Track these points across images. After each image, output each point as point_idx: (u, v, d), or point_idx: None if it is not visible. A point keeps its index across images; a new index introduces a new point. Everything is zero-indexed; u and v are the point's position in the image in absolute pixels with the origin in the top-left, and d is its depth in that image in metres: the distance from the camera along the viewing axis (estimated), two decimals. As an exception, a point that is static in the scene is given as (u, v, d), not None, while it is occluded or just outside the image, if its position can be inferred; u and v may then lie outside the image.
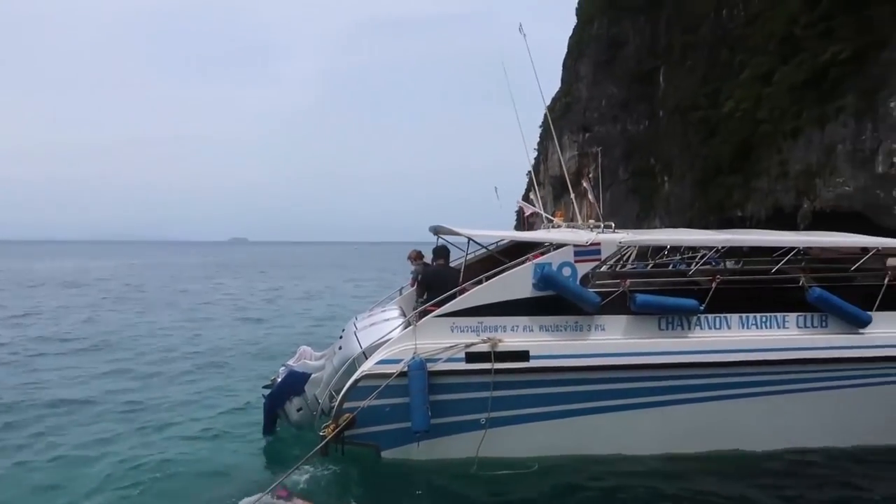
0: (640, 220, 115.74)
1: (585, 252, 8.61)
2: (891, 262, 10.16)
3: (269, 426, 9.98)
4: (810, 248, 10.87)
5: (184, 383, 15.96)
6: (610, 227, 9.59)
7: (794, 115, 72.46)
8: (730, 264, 16.57)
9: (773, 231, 13.65)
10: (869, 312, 8.67)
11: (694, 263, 12.16)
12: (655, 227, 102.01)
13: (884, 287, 8.78)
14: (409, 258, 11.88)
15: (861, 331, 8.59)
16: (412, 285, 11.33)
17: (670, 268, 14.72)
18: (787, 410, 8.66)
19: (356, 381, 8.23)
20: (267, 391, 10.16)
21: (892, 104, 57.58)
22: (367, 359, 8.66)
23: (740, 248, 13.11)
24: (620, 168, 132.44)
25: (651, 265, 16.05)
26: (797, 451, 8.58)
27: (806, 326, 8.69)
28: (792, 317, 8.73)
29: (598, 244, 8.70)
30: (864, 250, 9.68)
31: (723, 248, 12.16)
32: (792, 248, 9.81)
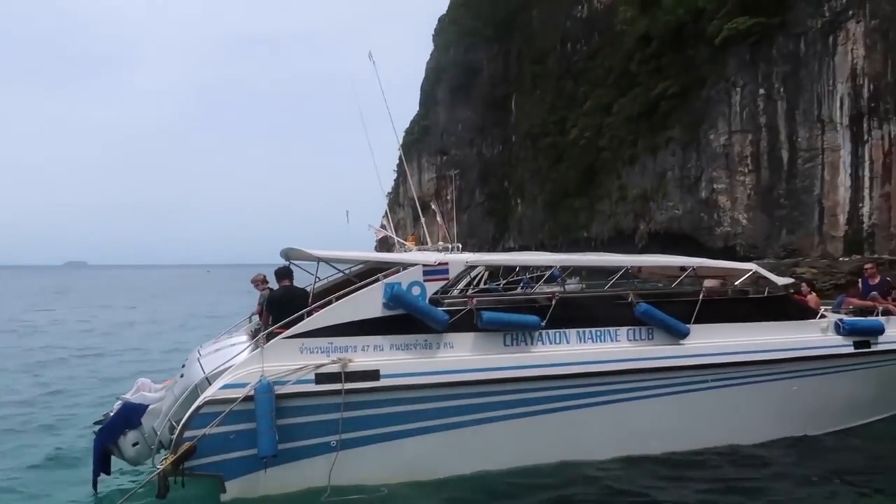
0: (496, 241, 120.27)
1: (434, 271, 8.84)
2: (707, 282, 11.33)
3: (101, 466, 9.08)
4: (640, 267, 11.91)
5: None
6: (458, 247, 9.91)
7: (631, 143, 79.05)
8: (574, 281, 17.66)
9: (605, 253, 14.69)
10: (687, 325, 9.55)
11: (539, 282, 12.81)
12: (510, 247, 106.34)
13: (699, 302, 9.74)
14: (254, 282, 11.51)
15: (681, 342, 9.48)
16: (259, 312, 10.99)
17: (520, 286, 15.36)
18: (622, 417, 9.28)
19: (198, 407, 7.79)
20: (99, 427, 9.32)
21: (711, 136, 64.44)
22: (210, 384, 8.28)
23: (581, 267, 13.92)
24: (477, 190, 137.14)
25: (503, 284, 16.64)
26: (636, 457, 9.15)
27: (635, 339, 9.41)
28: (623, 330, 9.41)
29: (446, 264, 8.96)
30: (683, 269, 10.74)
31: (567, 267, 12.93)
32: (622, 268, 10.66)
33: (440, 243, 9.94)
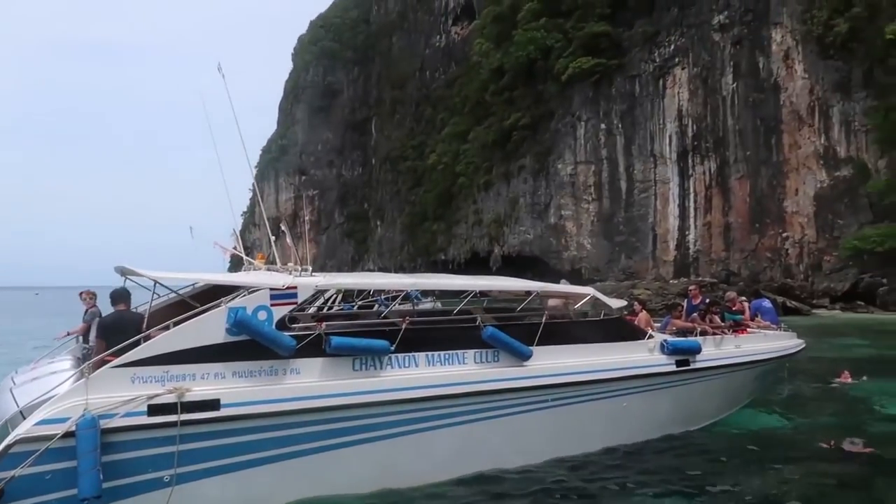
0: (355, 262, 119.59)
1: (281, 295, 8.58)
2: (551, 302, 11.93)
3: None
4: (489, 290, 12.34)
5: None
6: (307, 270, 9.72)
7: (486, 170, 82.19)
8: (429, 301, 17.88)
9: (455, 276, 15.03)
10: (531, 347, 9.97)
11: (393, 304, 12.82)
12: (369, 269, 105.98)
13: (542, 324, 10.23)
14: (81, 296, 10.59)
15: (525, 363, 9.88)
16: (83, 331, 10.10)
17: (375, 308, 15.30)
18: (471, 438, 9.47)
19: (7, 446, 6.98)
20: None
21: (559, 166, 68.55)
22: (24, 419, 7.44)
23: (434, 290, 14.11)
24: (336, 212, 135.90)
25: (357, 304, 16.48)
26: (486, 475, 9.32)
27: (482, 361, 9.67)
28: (470, 353, 9.64)
29: (295, 288, 8.74)
30: (528, 293, 11.25)
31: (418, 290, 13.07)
32: (471, 291, 10.97)
33: (290, 264, 9.68)
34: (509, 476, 9.26)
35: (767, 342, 12.61)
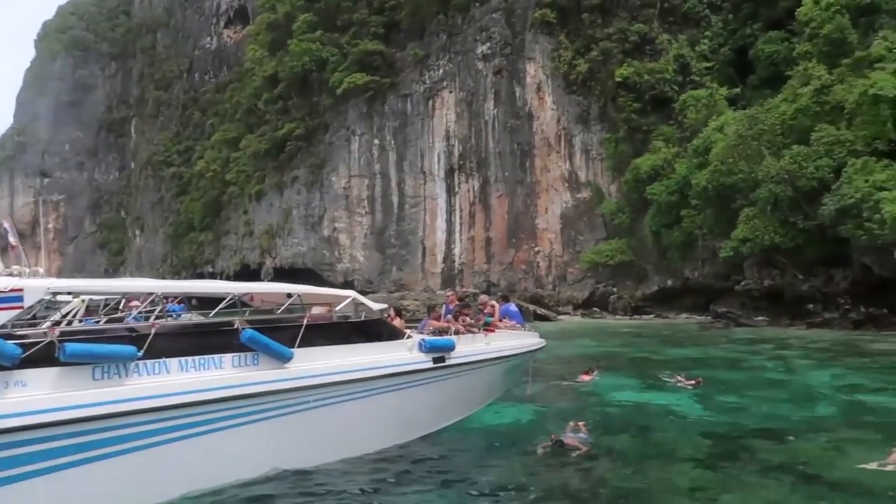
0: (109, 275, 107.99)
1: (4, 299, 7.64)
2: (315, 309, 12.02)
3: None
4: (251, 295, 12.06)
5: None
6: (37, 271, 8.73)
7: (259, 179, 79.64)
8: (188, 315, 16.86)
9: (213, 281, 14.48)
10: (292, 349, 9.94)
11: (152, 315, 11.94)
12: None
13: (303, 326, 10.26)
14: None
15: (286, 365, 9.83)
16: None
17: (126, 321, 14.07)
18: (229, 445, 9.12)
19: None
20: None
21: (333, 178, 68.85)
22: None
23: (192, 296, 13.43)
24: (87, 220, 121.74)
25: (103, 321, 15.06)
26: (247, 481, 9.03)
27: (240, 365, 9.43)
28: (227, 357, 9.32)
29: (21, 290, 7.81)
30: (289, 296, 11.23)
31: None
32: (230, 296, 10.65)
33: (15, 266, 8.59)
34: (275, 480, 9.12)
35: (514, 340, 13.92)
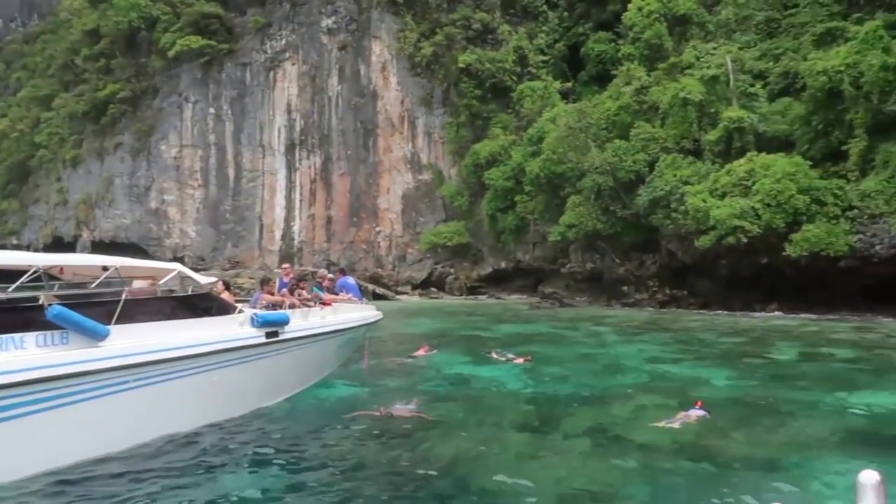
0: None
1: None
2: (137, 283, 11.19)
3: None
4: (60, 268, 10.94)
5: None
6: None
7: (75, 144, 72.15)
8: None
9: (11, 251, 13.03)
10: (108, 326, 9.19)
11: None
12: None
13: (122, 302, 9.51)
14: None
15: (100, 343, 9.07)
16: None
17: None
18: (36, 432, 8.31)
19: None
20: None
21: (163, 147, 64.12)
22: None
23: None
24: None
25: None
26: (58, 472, 8.27)
27: (46, 344, 8.57)
28: (31, 336, 8.44)
29: None
30: (105, 269, 10.34)
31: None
32: (32, 268, 9.58)
33: None
34: (92, 465, 8.44)
35: (350, 313, 13.92)
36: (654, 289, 36.06)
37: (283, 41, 58.68)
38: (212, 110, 61.10)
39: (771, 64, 37.17)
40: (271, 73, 59.19)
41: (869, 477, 3.40)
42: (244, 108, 60.04)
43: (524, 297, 44.88)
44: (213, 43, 59.01)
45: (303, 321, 12.24)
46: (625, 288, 37.27)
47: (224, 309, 11.09)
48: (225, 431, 10.19)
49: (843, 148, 30.20)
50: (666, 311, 33.20)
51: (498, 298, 46.20)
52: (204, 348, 10.35)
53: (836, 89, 29.40)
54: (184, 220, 62.36)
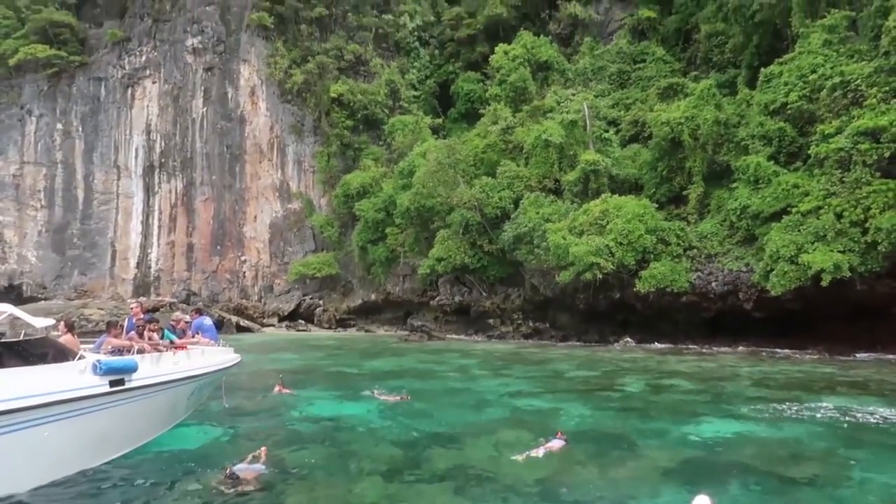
0: None
1: None
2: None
3: None
4: None
5: None
6: None
7: None
8: None
9: None
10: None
11: None
12: None
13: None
14: None
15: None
16: None
17: None
18: None
19: None
20: None
21: (0, 164, 58.58)
22: None
23: None
24: None
25: None
26: None
27: None
28: None
29: None
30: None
31: None
32: None
33: None
34: None
35: (205, 358, 13.20)
36: (519, 322, 37.37)
37: (144, 57, 55.74)
38: (59, 126, 56.61)
39: (623, 112, 40.23)
40: (129, 90, 55.92)
41: (702, 501, 3.82)
42: (97, 125, 56.16)
43: (394, 329, 44.87)
44: (62, 54, 54.98)
45: (153, 367, 11.43)
46: (491, 321, 38.31)
47: (62, 355, 10.13)
48: (48, 490, 9.26)
49: (684, 193, 33.15)
50: (529, 343, 34.43)
51: (367, 331, 45.87)
52: (34, 400, 9.38)
53: (678, 139, 32.28)
54: (23, 244, 56.84)
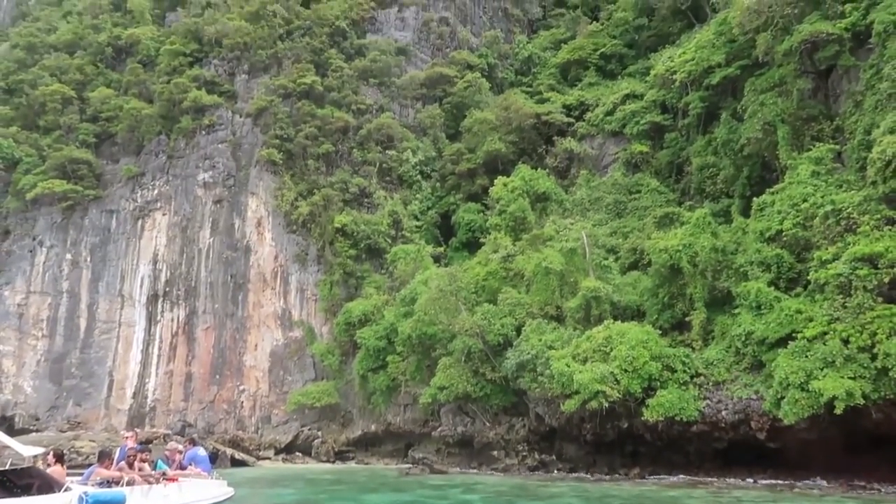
0: None
1: None
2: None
3: None
4: None
5: None
6: None
7: None
8: None
9: None
10: None
11: None
12: None
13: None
14: None
15: None
16: None
17: None
18: None
19: None
20: None
21: (6, 293, 58.14)
22: None
23: None
24: None
25: None
26: None
27: None
28: None
29: None
30: None
31: None
32: None
33: None
34: None
35: (198, 490, 12.64)
36: (524, 453, 35.99)
37: (156, 191, 57.75)
38: (69, 256, 57.66)
39: (621, 240, 41.01)
40: (139, 222, 57.46)
41: None
42: (105, 256, 57.17)
43: (394, 462, 43.19)
44: (78, 188, 57.05)
45: (143, 500, 10.94)
46: (495, 452, 36.92)
47: (47, 486, 9.73)
48: None
49: (687, 319, 33.02)
50: (535, 476, 32.95)
51: (366, 464, 44.13)
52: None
53: (677, 266, 32.62)
54: (20, 374, 56.04)
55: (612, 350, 31.09)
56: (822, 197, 29.21)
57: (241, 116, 57.85)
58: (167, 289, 55.58)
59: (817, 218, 28.69)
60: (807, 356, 25.72)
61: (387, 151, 55.45)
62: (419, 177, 56.53)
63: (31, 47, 66.86)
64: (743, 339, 29.36)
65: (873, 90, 30.09)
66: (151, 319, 55.69)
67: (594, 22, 65.73)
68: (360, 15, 63.84)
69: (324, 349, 49.22)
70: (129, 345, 55.61)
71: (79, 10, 72.60)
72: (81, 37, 67.90)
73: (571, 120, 54.00)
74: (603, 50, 59.78)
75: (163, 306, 55.56)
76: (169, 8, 70.39)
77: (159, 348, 55.12)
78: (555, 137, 52.61)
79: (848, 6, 33.10)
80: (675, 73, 43.76)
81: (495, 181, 46.60)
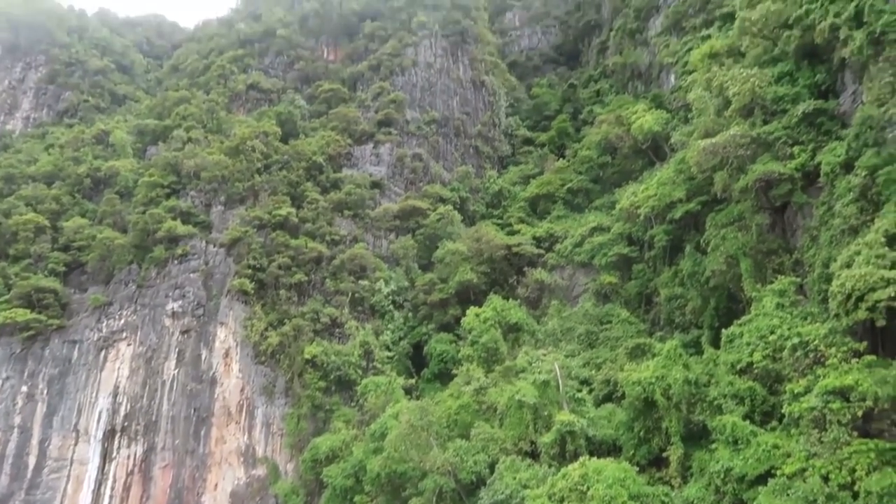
0: None
1: None
2: None
3: None
4: None
5: None
6: None
7: None
8: None
9: None
10: None
11: None
12: None
13: None
14: None
15: None
16: None
17: None
18: None
19: None
20: None
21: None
22: None
23: None
24: None
25: None
26: None
27: None
28: None
29: None
30: None
31: None
32: None
33: None
34: None
35: None
36: None
37: (122, 321, 56.58)
38: (24, 388, 55.15)
39: (594, 372, 40.59)
40: (102, 353, 55.76)
41: None
42: (63, 388, 54.85)
43: None
44: (41, 318, 55.68)
45: None
46: None
47: None
48: None
49: (664, 454, 32.05)
50: None
51: None
52: None
53: (650, 398, 32.11)
54: (-47, 521, 51.77)
55: (588, 489, 29.73)
56: (789, 329, 29.50)
57: (214, 246, 58.13)
58: (126, 423, 53.01)
59: (786, 350, 28.82)
60: (788, 494, 24.87)
61: (359, 281, 55.66)
62: (391, 307, 56.43)
63: (10, 178, 67.60)
64: (722, 476, 28.38)
65: (827, 225, 31.35)
66: (106, 456, 52.64)
67: (561, 159, 68.99)
68: (336, 150, 66.40)
69: (288, 489, 46.60)
70: (80, 485, 52.11)
71: (61, 143, 74.30)
72: (61, 168, 69.07)
73: (541, 251, 55.22)
74: (570, 185, 62.34)
75: (119, 442, 52.74)
76: (151, 142, 72.47)
77: (112, 488, 51.71)
78: (525, 268, 53.45)
79: (796, 148, 35.13)
80: (639, 207, 45.43)
81: (467, 311, 46.64)
